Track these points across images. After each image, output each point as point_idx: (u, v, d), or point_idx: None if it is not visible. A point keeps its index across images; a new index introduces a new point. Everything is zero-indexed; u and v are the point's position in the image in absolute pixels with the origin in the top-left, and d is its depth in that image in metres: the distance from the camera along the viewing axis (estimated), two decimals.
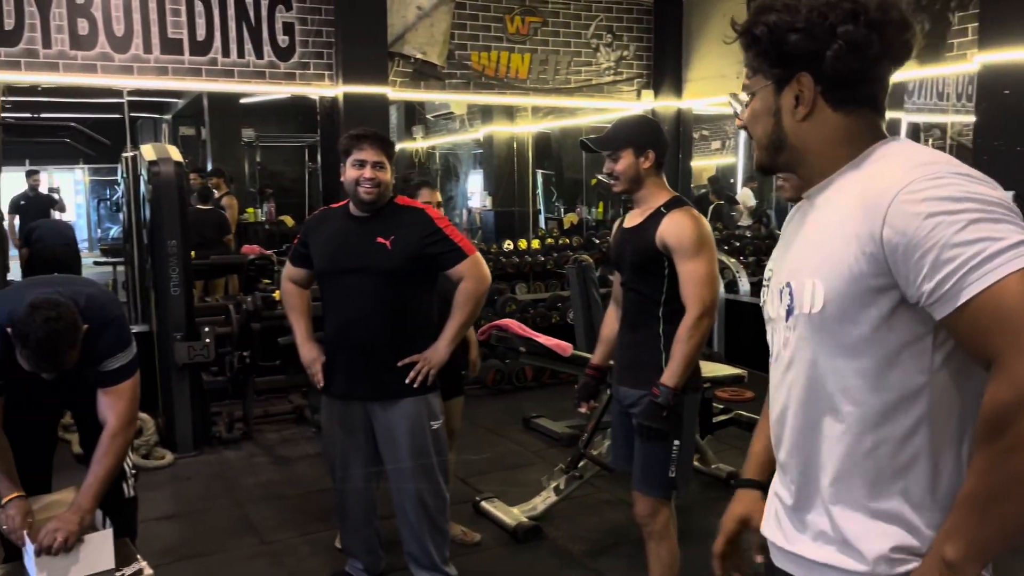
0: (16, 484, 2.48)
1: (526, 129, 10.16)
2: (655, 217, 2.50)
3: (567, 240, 7.62)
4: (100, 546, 2.43)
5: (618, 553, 3.48)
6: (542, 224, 10.85)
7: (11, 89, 6.10)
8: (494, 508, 3.80)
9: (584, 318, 4.97)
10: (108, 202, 15.41)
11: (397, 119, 12.01)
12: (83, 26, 5.24)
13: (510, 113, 9.96)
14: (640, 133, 2.56)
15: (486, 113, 10.31)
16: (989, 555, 1.04)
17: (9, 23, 5.06)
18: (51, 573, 2.35)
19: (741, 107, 1.28)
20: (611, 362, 2.82)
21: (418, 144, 12.66)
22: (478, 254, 2.83)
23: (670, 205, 2.51)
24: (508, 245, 7.36)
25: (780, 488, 1.31)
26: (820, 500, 1.21)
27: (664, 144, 2.60)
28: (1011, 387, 0.96)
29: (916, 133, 7.75)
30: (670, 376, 2.44)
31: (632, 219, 2.61)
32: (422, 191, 3.22)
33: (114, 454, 2.48)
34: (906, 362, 1.11)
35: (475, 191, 12.59)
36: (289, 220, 10.66)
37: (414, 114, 12.35)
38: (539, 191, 11.51)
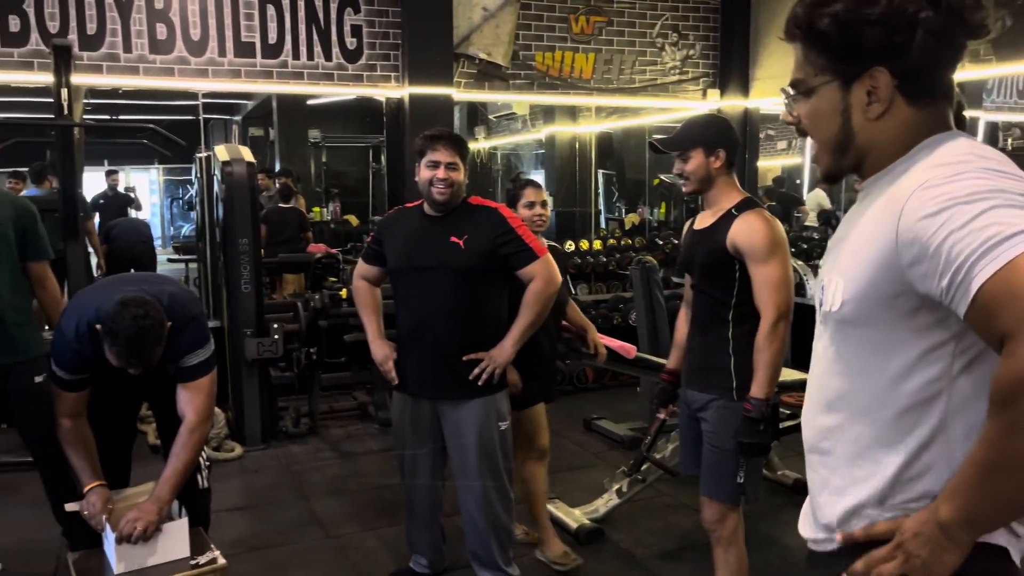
0: (98, 474, 2.58)
1: (588, 129, 10.13)
2: (726, 219, 2.46)
3: (629, 241, 7.56)
4: (176, 535, 2.51)
5: (683, 558, 3.44)
6: (603, 224, 10.79)
7: (93, 92, 6.33)
8: (556, 509, 3.78)
9: (647, 320, 4.93)
10: (181, 201, 15.92)
11: (460, 120, 12.09)
12: (161, 31, 5.42)
13: (573, 113, 9.94)
14: (710, 132, 2.53)
15: (548, 113, 10.31)
16: (982, 526, 1.04)
17: (91, 28, 5.26)
18: (129, 561, 2.44)
19: (794, 104, 1.21)
20: None
21: (480, 144, 12.74)
22: (549, 256, 2.82)
23: (742, 206, 2.47)
24: (570, 245, 7.34)
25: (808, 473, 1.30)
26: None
27: (735, 143, 2.56)
28: (1019, 364, 0.93)
29: (995, 132, 7.46)
30: (759, 387, 2.38)
31: (703, 220, 2.57)
32: (527, 190, 3.23)
33: (192, 448, 2.56)
34: (923, 369, 1.09)
35: None
36: (354, 219, 10.84)
37: (476, 115, 12.43)
38: (600, 191, 11.46)
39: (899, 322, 1.08)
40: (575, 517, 3.68)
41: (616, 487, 3.78)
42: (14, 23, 5.09)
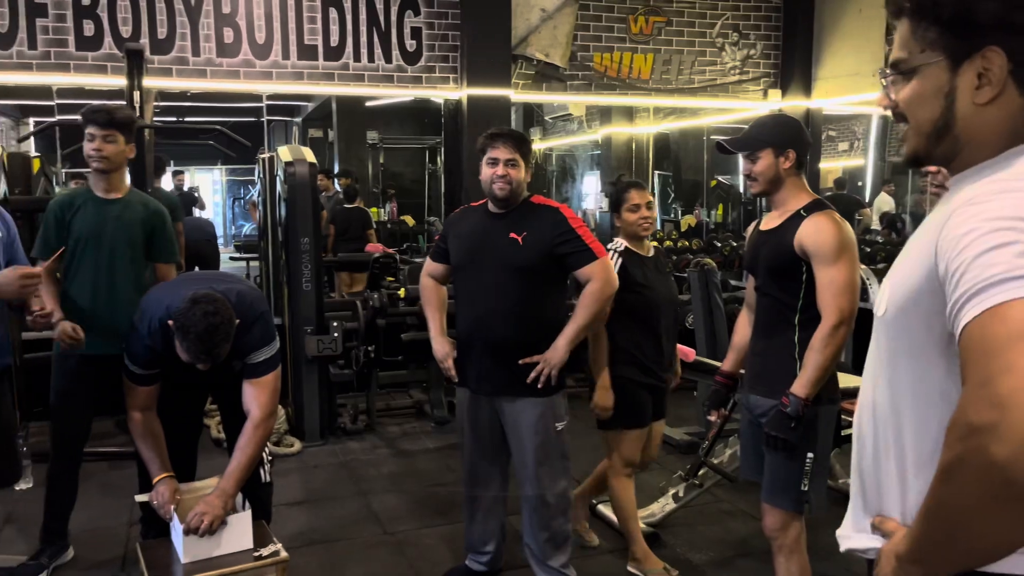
0: (167, 466, 2.66)
1: (645, 130, 10.06)
2: (794, 220, 2.42)
3: (686, 243, 7.48)
4: (240, 527, 2.57)
5: (741, 566, 3.38)
6: (658, 226, 10.71)
7: (162, 95, 6.52)
8: (610, 512, 3.76)
9: (706, 323, 4.87)
10: (242, 201, 16.28)
11: (516, 121, 12.13)
12: (228, 35, 5.56)
13: (630, 114, 9.89)
14: (780, 132, 2.48)
15: (605, 114, 10.28)
16: (932, 567, 0.99)
17: (162, 32, 5.43)
18: (195, 552, 2.50)
19: (892, 86, 1.12)
20: (742, 371, 2.74)
21: (536, 145, 12.76)
22: (607, 258, 2.82)
23: (811, 208, 2.42)
24: None
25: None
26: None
27: (805, 143, 2.51)
28: (962, 415, 0.87)
29: None
30: (801, 386, 2.35)
31: (769, 221, 2.53)
32: (631, 193, 3.18)
33: (256, 443, 2.62)
34: (950, 389, 1.01)
35: (589, 192, 12.56)
36: (410, 220, 10.95)
37: (532, 116, 12.45)
38: (656, 193, 11.36)
39: (930, 333, 1.02)
40: None
41: (673, 491, 3.74)
42: (88, 28, 5.29)
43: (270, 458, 3.04)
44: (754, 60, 7.11)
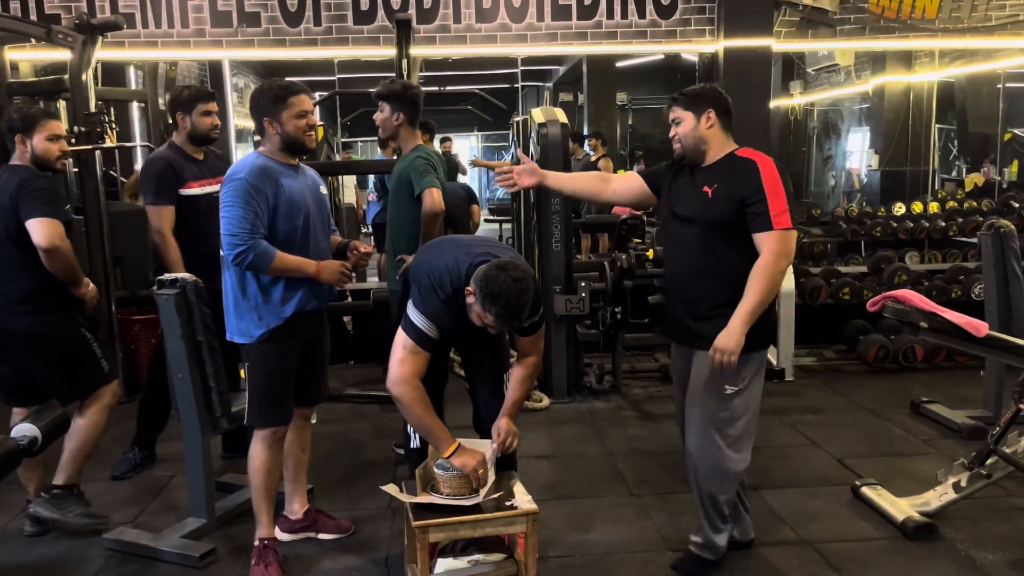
0: (449, 433, 2.72)
1: (925, 78, 8.99)
2: None
3: (973, 203, 6.60)
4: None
5: None
6: (937, 185, 9.56)
7: (426, 63, 6.87)
8: (877, 496, 3.45)
9: (999, 294, 4.27)
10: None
11: (774, 74, 11.39)
12: (487, 0, 5.71)
13: (908, 60, 8.89)
14: None
15: (878, 62, 9.33)
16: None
17: (428, 2, 5.69)
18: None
19: None
20: None
21: (794, 100, 11.90)
22: (787, 232, 2.63)
23: None
24: (899, 208, 6.61)
25: None
26: None
27: None
28: None
29: None
30: None
31: None
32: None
33: (531, 379, 2.89)
34: None
35: (854, 150, 11.52)
36: None
37: (792, 68, 11.61)
38: (935, 148, 10.13)
39: None
40: (900, 508, 3.31)
41: (953, 480, 3.33)
42: (364, 2, 5.68)
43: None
44: None
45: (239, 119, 11.03)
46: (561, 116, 4.95)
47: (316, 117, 2.98)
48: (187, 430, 3.29)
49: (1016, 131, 9.61)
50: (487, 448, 2.75)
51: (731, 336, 2.62)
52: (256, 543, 2.98)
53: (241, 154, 11.22)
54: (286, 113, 2.83)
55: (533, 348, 2.84)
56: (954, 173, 10.04)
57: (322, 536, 3.25)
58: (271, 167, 2.84)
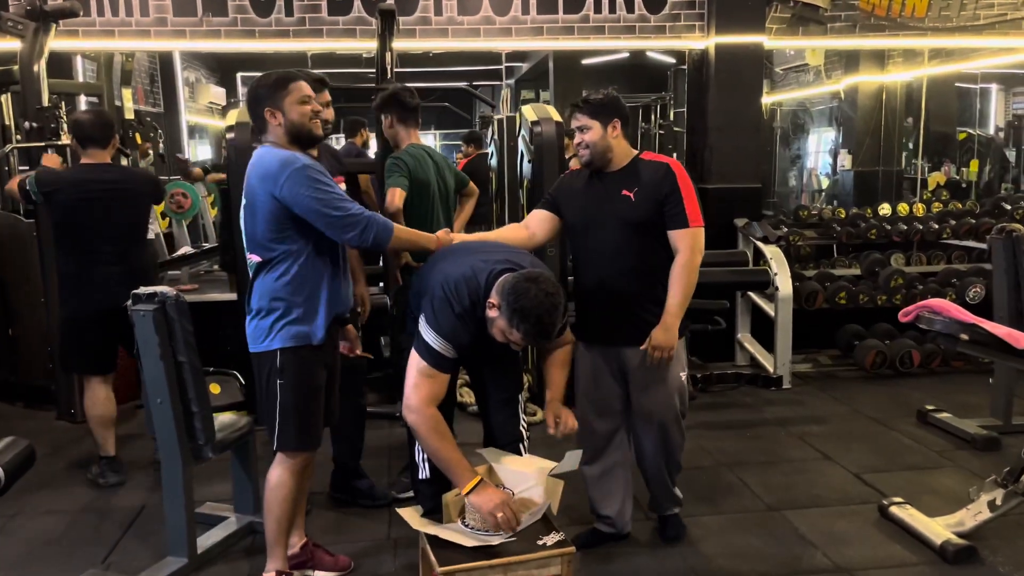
0: (469, 465, 2.46)
1: (899, 77, 8.98)
2: None
3: (959, 205, 6.54)
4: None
5: None
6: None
7: (404, 58, 6.57)
8: (908, 517, 3.28)
9: (1010, 299, 4.16)
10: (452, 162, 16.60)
11: None
12: None
13: (881, 60, 8.86)
14: None
15: (851, 61, 9.28)
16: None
17: None
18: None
19: None
20: None
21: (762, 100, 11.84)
22: (700, 229, 2.82)
23: None
24: (884, 209, 6.51)
25: None
26: None
27: None
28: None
29: None
30: None
31: None
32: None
33: (569, 363, 2.81)
34: None
35: (816, 150, 11.53)
36: None
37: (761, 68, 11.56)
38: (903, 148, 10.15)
39: None
40: (935, 530, 3.14)
41: (987, 498, 3.17)
42: None
43: (528, 434, 2.87)
44: None
45: (190, 115, 10.56)
46: (554, 114, 4.70)
47: (325, 104, 2.64)
48: (166, 460, 2.94)
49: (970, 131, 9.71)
50: (521, 476, 2.50)
51: (668, 332, 2.78)
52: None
53: (193, 150, 10.76)
54: (287, 100, 2.51)
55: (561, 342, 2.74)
56: (913, 172, 10.06)
57: (318, 574, 2.95)
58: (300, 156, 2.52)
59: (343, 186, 3.17)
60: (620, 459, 3.09)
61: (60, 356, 4.06)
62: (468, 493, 2.38)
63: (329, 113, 3.13)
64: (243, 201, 2.56)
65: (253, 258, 2.57)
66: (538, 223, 3.03)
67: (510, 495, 2.43)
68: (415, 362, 2.46)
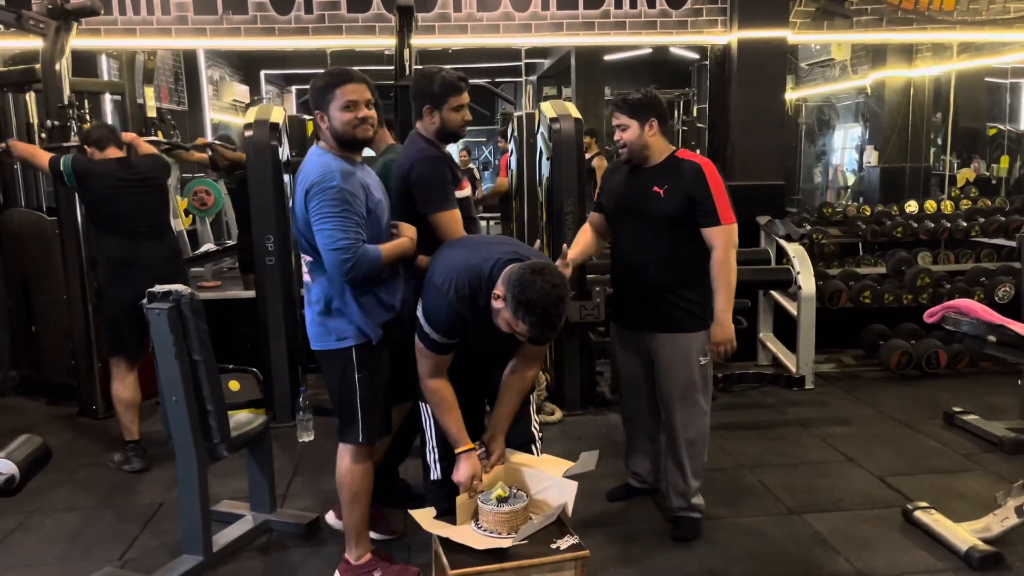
0: (467, 436, 2.57)
1: (926, 72, 8.81)
2: None
3: (987, 202, 6.41)
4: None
5: None
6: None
7: (424, 54, 6.55)
8: (933, 522, 3.20)
9: None
10: (476, 161, 16.59)
11: None
12: None
13: (909, 55, 8.70)
14: None
15: (878, 56, 9.11)
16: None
17: None
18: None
19: None
20: None
21: (785, 96, 11.68)
22: (732, 226, 2.95)
23: None
24: (911, 206, 6.40)
25: None
26: None
27: None
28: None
29: None
30: None
31: None
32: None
33: (525, 395, 2.70)
34: None
35: (841, 147, 11.36)
36: None
37: (784, 62, 11.40)
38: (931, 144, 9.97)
39: None
40: (960, 536, 3.07)
41: (1015, 504, 3.09)
42: None
43: (540, 435, 2.85)
44: None
45: (215, 112, 10.62)
46: (573, 110, 4.65)
47: (369, 106, 2.58)
48: (182, 459, 2.95)
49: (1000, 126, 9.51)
50: (536, 476, 2.55)
51: (723, 328, 3.01)
52: (359, 562, 2.78)
53: None
54: (332, 105, 2.52)
55: (537, 357, 2.65)
56: (941, 168, 9.89)
57: (373, 535, 2.97)
58: (348, 168, 2.51)
59: (467, 191, 3.00)
60: (652, 431, 3.39)
61: (105, 336, 4.08)
62: (459, 455, 2.55)
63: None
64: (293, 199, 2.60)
65: (306, 258, 2.60)
66: (597, 221, 3.35)
67: (479, 469, 2.53)
68: (416, 341, 2.54)
